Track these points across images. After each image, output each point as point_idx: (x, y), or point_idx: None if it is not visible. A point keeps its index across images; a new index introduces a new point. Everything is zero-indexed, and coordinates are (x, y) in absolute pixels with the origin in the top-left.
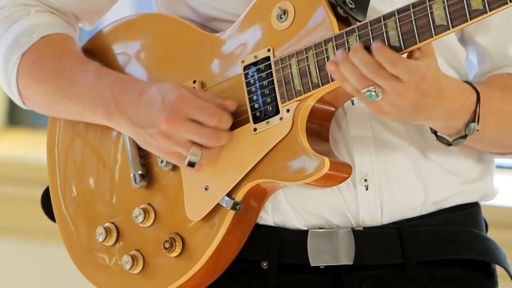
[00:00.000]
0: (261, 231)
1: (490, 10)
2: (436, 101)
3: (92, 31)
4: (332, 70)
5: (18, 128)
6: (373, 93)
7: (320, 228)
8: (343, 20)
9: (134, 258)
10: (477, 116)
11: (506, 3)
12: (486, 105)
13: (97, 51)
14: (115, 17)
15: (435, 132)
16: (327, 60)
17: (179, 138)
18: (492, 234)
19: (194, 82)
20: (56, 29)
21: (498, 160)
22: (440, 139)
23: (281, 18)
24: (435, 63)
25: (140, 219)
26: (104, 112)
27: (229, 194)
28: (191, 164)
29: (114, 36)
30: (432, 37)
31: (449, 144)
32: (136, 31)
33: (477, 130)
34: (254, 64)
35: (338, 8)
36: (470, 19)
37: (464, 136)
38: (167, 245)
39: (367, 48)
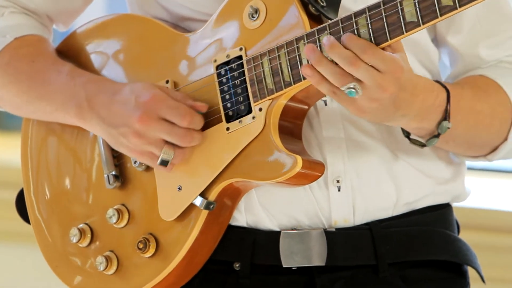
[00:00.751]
0: (233, 232)
1: (460, 6)
2: (411, 97)
3: (66, 32)
4: (309, 73)
5: None
6: (353, 90)
7: (292, 229)
8: (315, 18)
9: (108, 259)
10: (448, 113)
11: None
12: (456, 103)
13: (71, 52)
14: (88, 18)
15: (407, 136)
16: (299, 59)
17: (152, 137)
18: (463, 235)
19: (167, 82)
20: (30, 30)
21: (470, 162)
22: (413, 141)
23: (253, 17)
24: (407, 58)
25: (114, 219)
26: (76, 111)
27: (202, 194)
28: (164, 163)
29: (87, 37)
30: (403, 33)
31: (422, 145)
32: (109, 32)
33: (448, 128)
34: (227, 63)
35: (310, 6)
36: (441, 15)
37: (437, 135)
38: (141, 246)
39: None
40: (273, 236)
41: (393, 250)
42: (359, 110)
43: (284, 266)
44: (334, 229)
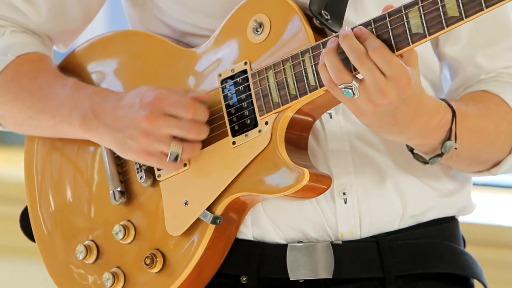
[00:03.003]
0: (240, 245)
1: (466, 17)
2: (413, 115)
3: (66, 53)
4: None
5: None
6: (350, 90)
7: (299, 242)
8: (319, 32)
9: (115, 275)
10: (453, 134)
11: (482, 9)
12: (461, 122)
13: (72, 69)
14: (89, 35)
15: (411, 150)
16: (304, 72)
17: (160, 134)
18: (469, 251)
19: None
20: (32, 48)
21: (475, 178)
22: (416, 156)
23: (257, 31)
24: (419, 75)
25: (120, 236)
26: (81, 122)
27: (209, 208)
28: (174, 157)
29: (90, 54)
30: (409, 45)
31: (425, 162)
32: (111, 49)
33: (455, 148)
34: (231, 77)
35: (314, 20)
36: (447, 27)
37: (441, 154)
38: (148, 261)
39: None
40: (280, 249)
41: (400, 263)
42: (357, 110)
43: (291, 279)
44: (340, 242)
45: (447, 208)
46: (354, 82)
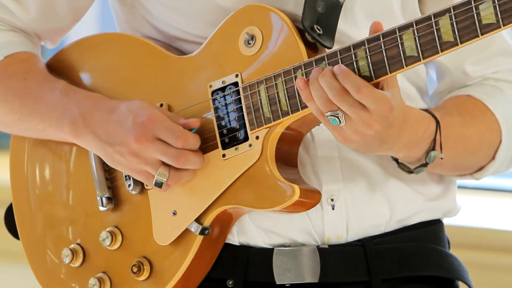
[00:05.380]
0: (226, 249)
1: (461, 43)
2: (399, 132)
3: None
4: (300, 87)
5: None
6: (336, 118)
7: (285, 246)
8: (311, 46)
9: (101, 281)
10: (438, 144)
11: (478, 36)
12: (445, 132)
13: (60, 69)
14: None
15: (396, 160)
16: (297, 89)
17: (148, 157)
18: (454, 253)
19: (161, 105)
20: (20, 47)
21: (460, 181)
22: (401, 166)
23: (249, 44)
24: (399, 93)
25: (108, 242)
26: (70, 128)
27: (197, 219)
28: (158, 184)
29: (78, 55)
30: (403, 68)
31: (410, 172)
32: (101, 51)
33: (441, 158)
34: (222, 89)
35: (306, 34)
36: (441, 51)
37: (425, 164)
38: (135, 269)
39: None
40: (266, 253)
41: (386, 266)
42: (344, 137)
43: (277, 283)
44: (327, 246)
45: (433, 212)
46: (339, 111)
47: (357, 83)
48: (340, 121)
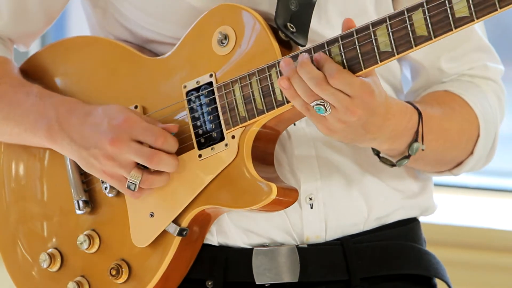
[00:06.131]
0: (205, 250)
1: (435, 37)
2: (382, 121)
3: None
4: (285, 86)
5: None
6: (322, 106)
7: (264, 246)
8: (285, 44)
9: (79, 285)
10: (420, 136)
11: (451, 30)
12: (427, 124)
13: (34, 73)
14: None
15: (377, 154)
16: (271, 87)
17: (123, 160)
18: (431, 251)
19: (136, 107)
20: None
21: (436, 178)
22: (383, 160)
23: (223, 43)
24: (379, 82)
25: (85, 245)
26: (46, 132)
27: (175, 221)
28: (130, 186)
29: (51, 59)
30: (377, 63)
31: (392, 165)
32: (74, 54)
33: (423, 150)
34: (197, 89)
35: (280, 32)
36: (415, 46)
37: (408, 156)
38: (113, 272)
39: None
40: (245, 253)
41: (365, 265)
42: (328, 128)
43: (257, 283)
44: (306, 245)
45: (411, 210)
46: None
47: (331, 68)
48: (326, 109)
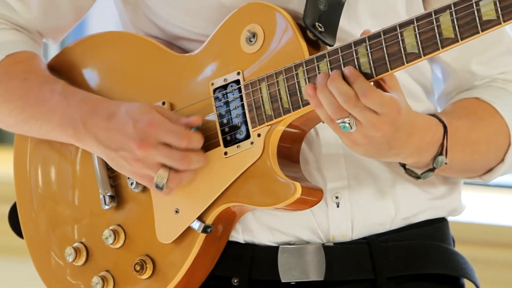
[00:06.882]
0: (231, 247)
1: (462, 39)
2: (407, 137)
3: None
4: (310, 94)
5: None
6: (347, 124)
7: (290, 244)
8: (313, 44)
9: (104, 279)
10: (444, 149)
11: (478, 33)
12: (453, 136)
13: (63, 68)
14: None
15: (403, 165)
16: (298, 86)
17: (151, 162)
18: (459, 250)
19: (163, 103)
20: (22, 47)
21: None
22: (408, 172)
23: (251, 41)
24: (404, 97)
25: (110, 240)
26: (73, 133)
27: (199, 217)
28: (158, 187)
29: (81, 54)
30: (404, 64)
31: (417, 177)
32: (103, 50)
33: (446, 163)
34: (224, 87)
35: (308, 32)
36: (442, 48)
37: (432, 169)
38: (137, 268)
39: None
40: (271, 251)
41: (391, 264)
42: (353, 142)
43: (282, 281)
44: (332, 244)
45: (438, 210)
46: (350, 117)
47: (363, 87)
48: (351, 127)
